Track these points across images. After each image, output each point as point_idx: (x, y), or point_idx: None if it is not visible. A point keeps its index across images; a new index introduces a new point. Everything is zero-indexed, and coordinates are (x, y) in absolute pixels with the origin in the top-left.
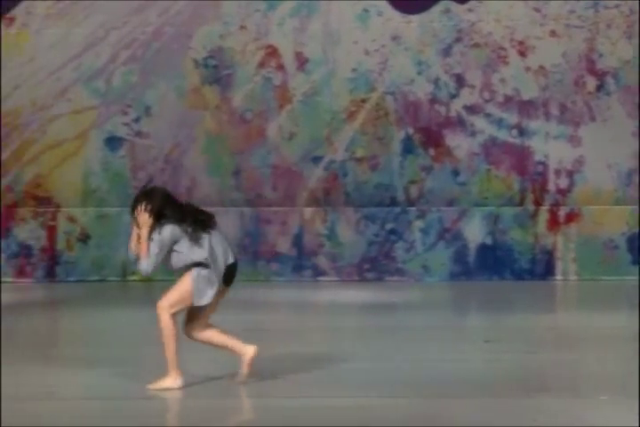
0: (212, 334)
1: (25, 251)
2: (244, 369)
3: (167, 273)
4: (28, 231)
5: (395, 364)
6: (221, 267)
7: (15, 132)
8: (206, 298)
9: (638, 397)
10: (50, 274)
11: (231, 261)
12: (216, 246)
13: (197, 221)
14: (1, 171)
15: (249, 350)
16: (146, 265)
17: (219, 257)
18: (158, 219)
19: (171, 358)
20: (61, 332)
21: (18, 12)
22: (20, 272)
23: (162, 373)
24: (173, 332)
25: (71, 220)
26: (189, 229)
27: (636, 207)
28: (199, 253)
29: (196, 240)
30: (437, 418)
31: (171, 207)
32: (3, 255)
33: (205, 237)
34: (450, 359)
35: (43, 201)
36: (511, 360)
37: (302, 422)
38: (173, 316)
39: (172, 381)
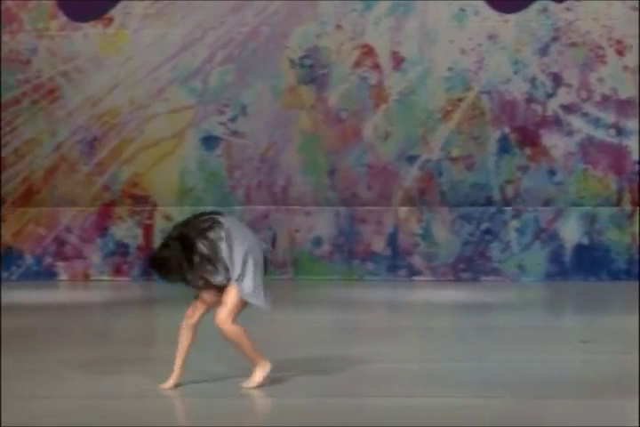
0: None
1: (122, 249)
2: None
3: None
4: (124, 230)
5: (490, 364)
6: (259, 258)
7: (113, 132)
8: (261, 296)
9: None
10: (146, 272)
11: (264, 246)
12: (240, 245)
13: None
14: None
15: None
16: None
17: (249, 256)
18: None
19: (252, 354)
20: (157, 330)
21: (116, 12)
22: (117, 271)
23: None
24: (243, 333)
25: (167, 218)
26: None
27: None
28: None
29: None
30: (533, 419)
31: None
32: (100, 254)
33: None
34: (546, 360)
35: (139, 200)
36: (607, 361)
37: (397, 421)
38: (234, 321)
39: (261, 371)
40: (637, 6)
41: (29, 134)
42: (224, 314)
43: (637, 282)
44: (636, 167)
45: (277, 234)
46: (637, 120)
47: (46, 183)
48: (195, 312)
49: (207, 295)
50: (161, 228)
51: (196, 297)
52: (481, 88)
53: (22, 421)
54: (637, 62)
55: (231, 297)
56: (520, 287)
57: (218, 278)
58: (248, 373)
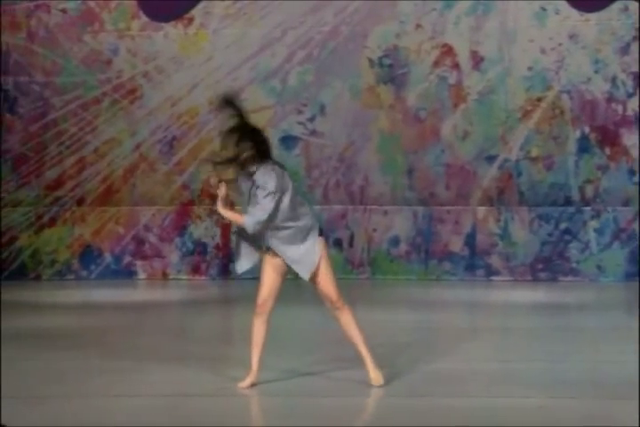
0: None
1: (200, 248)
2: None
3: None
4: (203, 229)
5: (568, 365)
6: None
7: (192, 131)
8: None
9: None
10: (224, 272)
11: None
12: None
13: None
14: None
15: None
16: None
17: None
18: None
19: (365, 352)
20: (235, 329)
21: (196, 12)
22: (195, 270)
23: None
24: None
25: None
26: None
27: None
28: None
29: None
30: (608, 419)
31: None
32: (179, 253)
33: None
34: (622, 360)
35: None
36: None
37: (473, 422)
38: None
39: (375, 376)
40: None
41: (109, 134)
42: (336, 293)
43: None
44: None
45: (355, 233)
46: None
47: (126, 182)
48: (266, 303)
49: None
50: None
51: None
52: (561, 87)
53: (100, 419)
54: None
55: (320, 254)
56: (599, 288)
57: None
58: (321, 369)
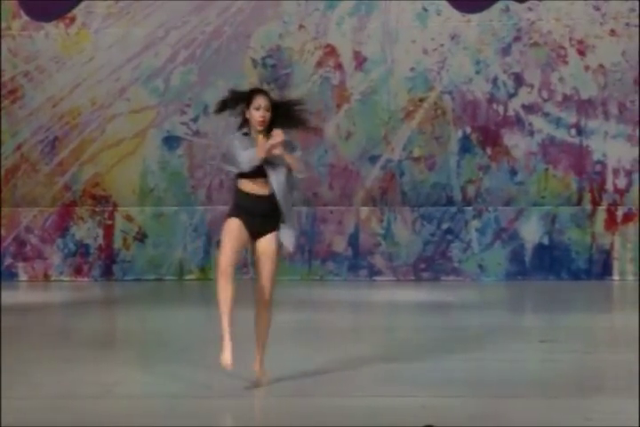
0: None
1: (82, 250)
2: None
3: None
4: (85, 230)
5: (450, 363)
6: None
7: (74, 131)
8: None
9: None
10: (107, 273)
11: None
12: None
13: None
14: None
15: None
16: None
17: None
18: None
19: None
20: (118, 331)
21: (78, 11)
22: (78, 271)
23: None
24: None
25: (128, 219)
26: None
27: None
28: None
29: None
30: (493, 418)
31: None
32: (60, 254)
33: None
34: (505, 359)
35: (100, 200)
36: (567, 360)
37: (355, 421)
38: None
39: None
40: (600, 6)
41: None
42: None
43: (597, 281)
44: (597, 167)
45: None
46: (598, 120)
47: (7, 183)
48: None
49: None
50: (122, 228)
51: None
52: (443, 88)
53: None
54: (597, 63)
55: None
56: (480, 287)
57: None
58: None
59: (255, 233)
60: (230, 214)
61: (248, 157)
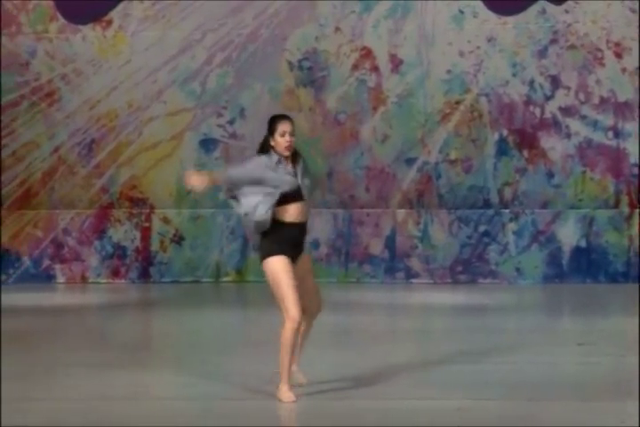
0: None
1: (119, 252)
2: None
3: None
4: (122, 232)
5: (487, 366)
6: None
7: (111, 134)
8: None
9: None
10: (144, 275)
11: None
12: None
13: None
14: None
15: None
16: None
17: None
18: None
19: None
20: (154, 333)
21: (115, 14)
22: (115, 273)
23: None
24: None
25: (165, 221)
26: None
27: None
28: None
29: None
30: (528, 420)
31: None
32: (98, 256)
33: None
34: (542, 362)
35: (137, 202)
36: (603, 363)
37: (392, 423)
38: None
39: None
40: (637, 8)
41: (28, 137)
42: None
43: (635, 284)
44: (634, 170)
45: None
46: (636, 123)
47: (44, 186)
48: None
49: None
50: (159, 230)
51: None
52: (479, 90)
53: (16, 422)
54: (637, 64)
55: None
56: (517, 290)
57: None
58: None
59: (295, 258)
60: (273, 252)
61: (285, 180)
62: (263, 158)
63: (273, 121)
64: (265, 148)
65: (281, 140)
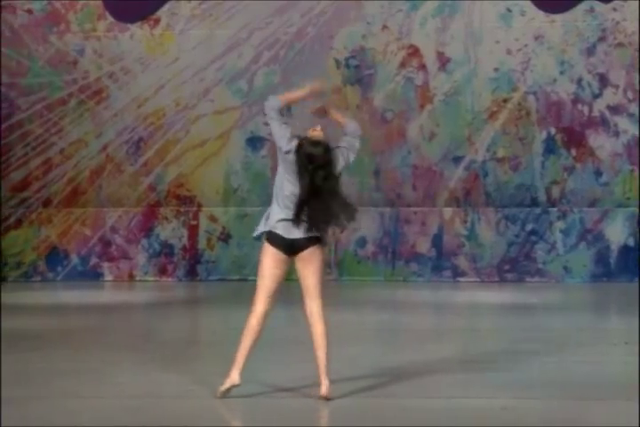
0: None
1: (167, 250)
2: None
3: None
4: (170, 230)
5: (533, 365)
6: None
7: (159, 132)
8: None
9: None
10: (191, 273)
11: None
12: None
13: None
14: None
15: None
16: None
17: None
18: None
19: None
20: (201, 331)
21: (163, 13)
22: (162, 271)
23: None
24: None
25: (212, 219)
26: None
27: None
28: None
29: None
30: (575, 420)
31: None
32: (145, 254)
33: None
34: (588, 361)
35: (185, 200)
36: None
37: (436, 422)
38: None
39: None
40: None
41: (76, 135)
42: None
43: None
44: None
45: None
46: None
47: (92, 184)
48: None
49: None
50: (206, 228)
51: None
52: (527, 89)
53: (66, 421)
54: None
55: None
56: (565, 288)
57: None
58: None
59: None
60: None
61: None
62: None
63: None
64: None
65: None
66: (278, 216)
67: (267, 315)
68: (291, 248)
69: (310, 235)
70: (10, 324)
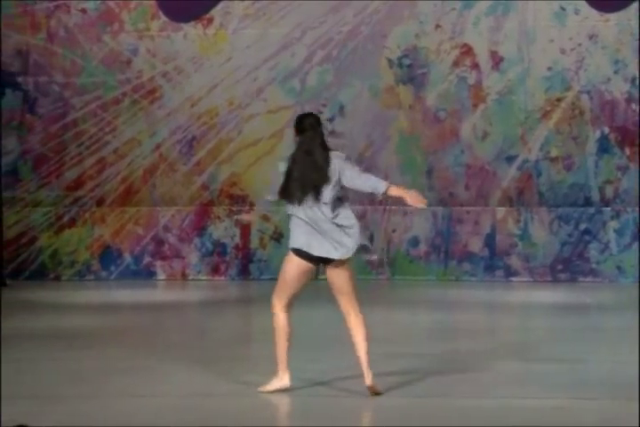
0: None
1: (219, 249)
2: None
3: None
4: (222, 229)
5: (587, 365)
6: None
7: (212, 131)
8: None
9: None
10: (243, 272)
11: None
12: None
13: None
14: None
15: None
16: None
17: None
18: None
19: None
20: (254, 330)
21: (216, 12)
22: (215, 270)
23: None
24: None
25: (265, 218)
26: None
27: None
28: None
29: None
30: (629, 420)
31: None
32: (198, 253)
33: None
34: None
35: (237, 199)
36: None
37: (489, 422)
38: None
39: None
40: None
41: (129, 134)
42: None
43: None
44: None
45: (374, 234)
46: None
47: (145, 183)
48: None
49: None
50: (258, 228)
51: None
52: (580, 88)
53: (119, 419)
54: None
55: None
56: (618, 288)
57: None
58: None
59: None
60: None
61: None
62: None
63: (301, 120)
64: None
65: None
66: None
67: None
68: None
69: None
70: (64, 323)
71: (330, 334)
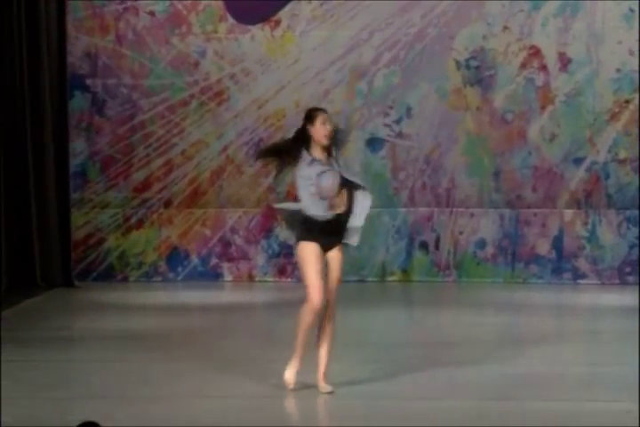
0: None
1: (286, 251)
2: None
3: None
4: (289, 231)
5: None
6: None
7: (279, 134)
8: None
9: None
10: None
11: None
12: None
13: None
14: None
15: None
16: None
17: None
18: None
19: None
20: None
21: (283, 14)
22: (281, 272)
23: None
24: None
25: None
26: None
27: None
28: None
29: None
30: None
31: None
32: (265, 255)
33: None
34: None
35: None
36: None
37: (563, 425)
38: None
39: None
40: None
41: (197, 136)
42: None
43: None
44: None
45: (441, 236)
46: None
47: (212, 185)
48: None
49: None
50: None
51: None
52: None
53: (188, 420)
54: None
55: None
56: None
57: None
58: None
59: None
60: (308, 237)
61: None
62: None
63: (313, 112)
64: (301, 137)
65: (321, 128)
66: None
67: None
68: None
69: None
70: (132, 324)
71: (401, 336)
